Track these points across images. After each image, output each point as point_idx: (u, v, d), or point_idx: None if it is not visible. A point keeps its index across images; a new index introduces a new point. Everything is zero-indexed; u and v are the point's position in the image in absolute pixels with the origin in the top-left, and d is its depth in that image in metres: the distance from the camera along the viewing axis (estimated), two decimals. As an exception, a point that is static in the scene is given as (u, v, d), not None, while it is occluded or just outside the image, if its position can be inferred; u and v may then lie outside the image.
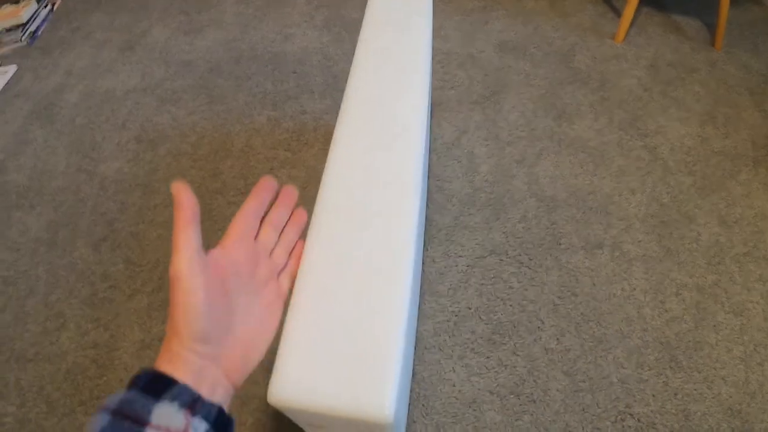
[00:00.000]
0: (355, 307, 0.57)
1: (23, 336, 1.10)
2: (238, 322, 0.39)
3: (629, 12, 1.49)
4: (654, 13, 1.67)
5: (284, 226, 0.48)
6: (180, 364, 0.33)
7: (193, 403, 0.32)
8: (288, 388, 0.54)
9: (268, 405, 0.93)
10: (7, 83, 1.67)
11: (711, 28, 1.60)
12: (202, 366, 0.34)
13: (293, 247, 0.49)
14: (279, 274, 0.46)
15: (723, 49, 1.55)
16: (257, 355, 0.40)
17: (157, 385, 0.32)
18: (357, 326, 0.55)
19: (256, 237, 0.44)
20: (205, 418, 0.32)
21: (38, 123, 1.52)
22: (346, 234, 0.62)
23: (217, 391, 0.35)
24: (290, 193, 0.49)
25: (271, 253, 0.45)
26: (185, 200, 0.36)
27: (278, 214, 0.47)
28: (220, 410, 0.34)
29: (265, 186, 0.45)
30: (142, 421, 0.29)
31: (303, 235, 0.51)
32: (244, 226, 0.43)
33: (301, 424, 0.68)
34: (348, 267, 0.60)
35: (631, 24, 1.61)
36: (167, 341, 0.34)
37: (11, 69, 1.72)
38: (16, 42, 1.80)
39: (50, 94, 1.60)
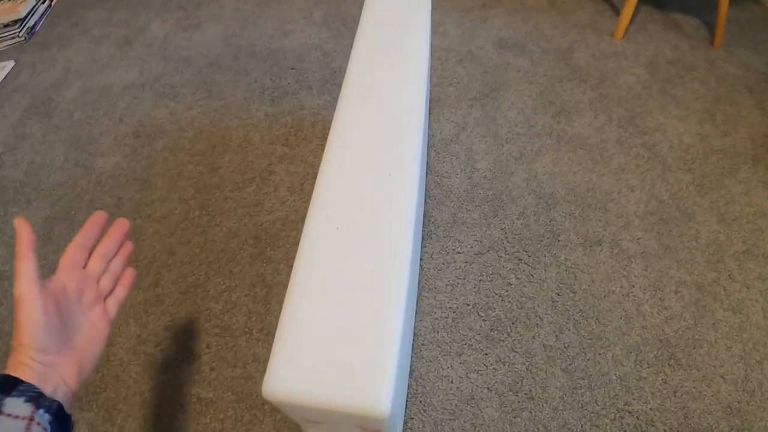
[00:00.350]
0: (352, 302, 0.56)
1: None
2: (71, 337, 0.47)
3: (628, 9, 1.49)
4: (653, 11, 1.67)
5: (113, 257, 0.56)
6: (25, 370, 0.41)
7: (37, 398, 0.40)
8: (282, 383, 0.53)
9: (264, 401, 0.93)
10: (5, 78, 1.66)
11: (710, 26, 1.60)
12: (44, 371, 0.42)
13: (120, 275, 0.56)
14: (106, 298, 0.53)
15: (722, 47, 1.55)
16: (89, 365, 0.48)
17: (6, 385, 0.39)
18: (353, 321, 0.55)
19: (85, 266, 0.52)
20: (48, 410, 0.40)
21: (36, 118, 1.51)
22: (343, 229, 0.62)
23: (57, 392, 0.43)
24: (121, 225, 0.57)
25: (98, 281, 0.53)
26: (25, 233, 0.45)
27: (106, 245, 0.55)
28: (60, 406, 0.41)
29: (95, 221, 0.54)
30: None
31: (130, 263, 0.58)
32: (73, 256, 0.51)
33: (297, 420, 0.68)
34: (344, 262, 0.59)
35: (631, 21, 1.60)
36: (14, 352, 0.42)
37: (9, 64, 1.71)
38: (14, 37, 1.79)
39: (48, 89, 1.59)
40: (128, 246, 0.58)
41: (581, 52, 1.53)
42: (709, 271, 1.08)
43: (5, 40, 1.79)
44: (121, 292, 0.56)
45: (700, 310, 1.03)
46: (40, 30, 1.83)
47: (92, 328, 0.50)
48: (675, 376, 0.95)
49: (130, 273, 0.57)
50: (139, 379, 1.00)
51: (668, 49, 1.54)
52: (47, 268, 1.21)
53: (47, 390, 0.41)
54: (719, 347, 0.98)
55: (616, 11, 1.66)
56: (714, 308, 1.03)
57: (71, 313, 0.48)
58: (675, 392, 0.93)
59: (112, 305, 0.54)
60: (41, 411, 0.39)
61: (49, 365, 0.43)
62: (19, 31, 1.79)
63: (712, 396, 0.93)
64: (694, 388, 0.94)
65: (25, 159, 1.41)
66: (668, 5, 1.69)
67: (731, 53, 1.53)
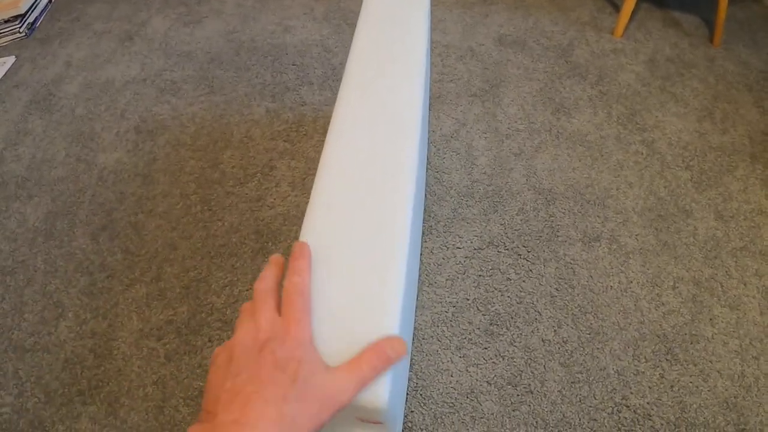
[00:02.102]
0: (351, 295, 0.57)
1: (21, 325, 1.10)
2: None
3: (628, 7, 1.49)
4: (653, 8, 1.68)
5: None
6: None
7: None
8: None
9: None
10: (6, 74, 1.66)
11: (710, 24, 1.60)
12: None
13: None
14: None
15: (722, 45, 1.55)
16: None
17: None
18: (352, 313, 0.56)
19: None
20: None
21: (37, 113, 1.51)
22: (342, 224, 0.62)
23: None
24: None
25: None
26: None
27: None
28: None
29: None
30: None
31: None
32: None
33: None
34: (343, 257, 0.60)
35: (630, 19, 1.61)
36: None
37: (9, 60, 1.71)
38: (15, 33, 1.79)
39: (49, 85, 1.59)
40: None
41: (581, 49, 1.54)
42: (706, 267, 1.09)
43: (6, 36, 1.79)
44: None
45: (697, 305, 1.04)
46: (40, 25, 1.83)
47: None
48: (672, 370, 0.96)
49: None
50: (141, 373, 1.01)
51: (668, 47, 1.54)
52: (50, 264, 1.22)
53: None
54: (716, 343, 0.99)
55: (616, 8, 1.67)
56: (711, 304, 1.04)
57: None
58: (672, 387, 0.94)
59: None
60: None
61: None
62: (20, 27, 1.79)
63: (708, 391, 0.94)
64: (690, 382, 0.95)
65: (27, 154, 1.41)
66: (668, 3, 1.69)
67: (730, 51, 1.53)
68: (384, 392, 0.57)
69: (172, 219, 1.22)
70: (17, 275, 1.17)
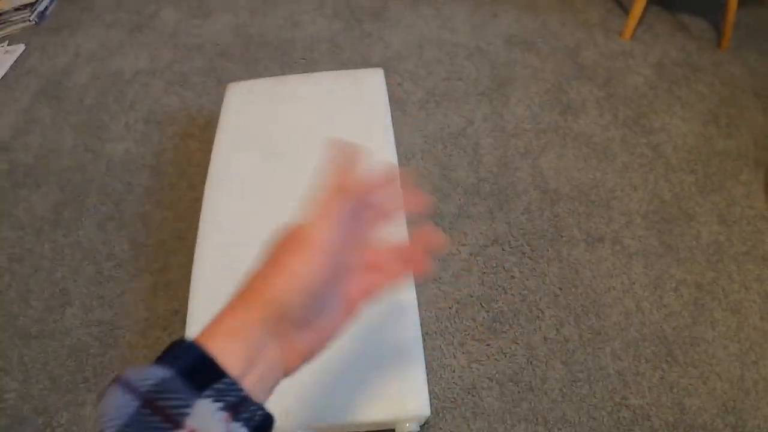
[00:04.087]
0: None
1: (27, 312, 1.11)
2: (319, 316, 0.32)
3: (638, 9, 1.50)
4: (661, 11, 1.68)
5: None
6: (237, 343, 0.28)
7: (238, 405, 0.26)
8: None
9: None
10: (15, 62, 1.67)
11: (717, 28, 1.60)
12: (260, 348, 0.29)
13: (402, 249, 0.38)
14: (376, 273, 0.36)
15: (729, 50, 1.55)
16: (322, 349, 0.34)
17: (201, 374, 0.26)
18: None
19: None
20: (246, 423, 0.26)
21: (46, 102, 1.52)
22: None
23: (265, 380, 0.29)
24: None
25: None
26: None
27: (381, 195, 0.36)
28: (267, 417, 0.28)
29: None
30: (176, 422, 0.24)
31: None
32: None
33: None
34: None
35: (639, 22, 1.61)
36: (231, 309, 0.29)
37: (19, 48, 1.72)
38: (25, 21, 1.80)
39: (58, 74, 1.60)
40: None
41: (589, 50, 1.55)
42: (708, 271, 1.10)
43: (16, 24, 1.80)
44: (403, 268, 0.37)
45: (698, 308, 1.05)
46: (50, 14, 1.84)
47: (346, 302, 0.35)
48: (672, 372, 0.97)
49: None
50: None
51: (675, 50, 1.55)
52: (57, 252, 1.22)
53: (249, 381, 0.28)
54: (716, 346, 1.00)
55: (625, 11, 1.67)
56: (712, 307, 1.05)
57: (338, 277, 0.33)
58: (671, 388, 0.95)
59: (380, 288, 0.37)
60: (237, 425, 0.26)
61: (279, 339, 0.30)
62: (30, 15, 1.80)
63: (707, 393, 0.94)
64: (690, 385, 0.95)
65: (35, 143, 1.42)
66: (677, 6, 1.69)
67: (737, 56, 1.53)
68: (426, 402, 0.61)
69: (180, 210, 1.23)
70: (24, 263, 1.18)
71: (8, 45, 1.74)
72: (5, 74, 1.63)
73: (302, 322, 0.31)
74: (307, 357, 0.32)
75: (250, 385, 0.28)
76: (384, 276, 0.36)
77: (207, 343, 0.27)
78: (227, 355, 0.27)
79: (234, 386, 0.27)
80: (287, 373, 0.32)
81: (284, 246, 0.30)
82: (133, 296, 1.10)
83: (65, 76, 1.59)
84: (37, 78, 1.60)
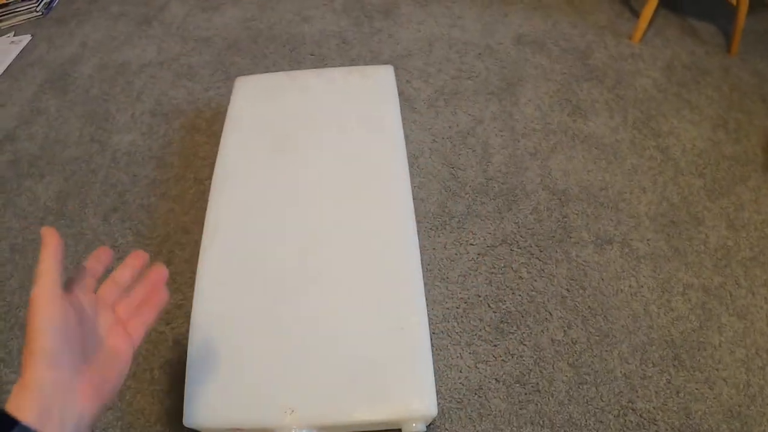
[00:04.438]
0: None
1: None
2: (89, 356, 0.41)
3: (648, 12, 1.49)
4: (671, 15, 1.68)
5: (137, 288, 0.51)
6: (29, 399, 0.34)
7: None
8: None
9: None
10: (21, 52, 1.67)
11: (727, 33, 1.60)
12: (51, 399, 0.35)
13: (142, 304, 0.51)
14: (128, 323, 0.48)
15: (738, 55, 1.55)
16: (108, 391, 0.42)
17: (1, 426, 0.32)
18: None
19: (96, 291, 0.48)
20: None
21: (52, 92, 1.51)
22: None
23: (66, 426, 0.36)
24: (138, 256, 0.53)
25: (114, 307, 0.49)
26: (52, 241, 0.42)
27: (122, 272, 0.51)
28: None
29: (100, 255, 0.50)
30: None
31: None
32: (80, 279, 0.47)
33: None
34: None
35: (649, 25, 1.61)
36: (22, 374, 0.36)
37: (25, 39, 1.71)
38: (31, 12, 1.79)
39: (65, 65, 1.59)
40: (162, 294, 0.52)
41: (599, 52, 1.54)
42: (716, 275, 1.09)
43: (22, 15, 1.79)
44: (148, 314, 0.50)
45: (706, 313, 1.04)
46: (57, 5, 1.83)
47: (112, 350, 0.45)
48: (678, 376, 0.96)
49: (161, 295, 0.52)
50: (149, 357, 1.01)
51: (684, 54, 1.54)
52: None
53: (50, 427, 0.35)
54: (723, 351, 0.99)
55: (635, 14, 1.67)
56: (720, 312, 1.04)
57: (89, 330, 0.43)
58: (678, 392, 0.94)
59: (138, 328, 0.49)
60: None
61: (62, 388, 0.37)
62: (37, 6, 1.79)
63: (714, 398, 0.94)
64: (696, 389, 0.95)
65: (40, 133, 1.41)
66: (686, 11, 1.69)
67: (746, 61, 1.53)
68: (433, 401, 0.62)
69: (186, 203, 1.22)
70: (26, 253, 1.17)
71: (14, 36, 1.73)
72: (11, 64, 1.62)
73: (71, 364, 0.39)
74: (99, 397, 0.40)
75: (54, 428, 0.34)
76: (140, 324, 0.49)
77: (9, 405, 0.34)
78: (22, 406, 0.34)
79: (28, 430, 0.33)
80: (89, 413, 0.39)
81: (29, 309, 0.39)
82: (137, 289, 1.09)
83: (72, 67, 1.58)
84: (43, 68, 1.59)
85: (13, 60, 1.64)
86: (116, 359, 0.45)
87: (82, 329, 0.41)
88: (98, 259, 0.50)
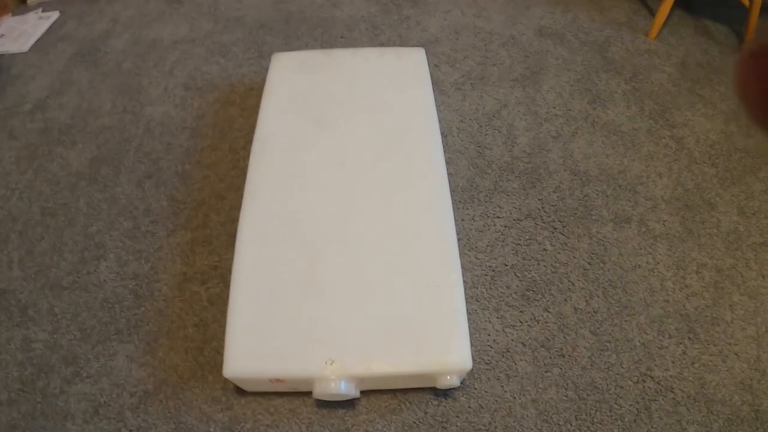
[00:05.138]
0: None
1: (59, 265, 1.12)
2: None
3: (664, 10, 1.55)
4: (686, 15, 1.74)
5: None
6: None
7: None
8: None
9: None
10: (50, 27, 1.69)
11: (739, 35, 1.66)
12: None
13: None
14: None
15: (750, 56, 1.60)
16: None
17: None
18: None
19: None
20: None
21: (83, 66, 1.54)
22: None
23: None
24: None
25: None
26: None
27: None
28: None
29: None
30: None
31: None
32: None
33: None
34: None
35: (664, 24, 1.66)
36: None
37: (54, 15, 1.74)
38: (61, -12, 1.82)
39: (95, 40, 1.62)
40: None
41: (617, 46, 1.60)
42: (727, 257, 1.14)
43: (52, -10, 1.82)
44: None
45: (718, 291, 1.09)
46: (86, -17, 1.86)
47: None
48: (693, 348, 1.00)
49: None
50: (183, 315, 1.04)
51: (698, 53, 1.60)
52: (92, 207, 1.23)
53: None
54: (735, 327, 1.04)
55: (651, 12, 1.73)
56: (731, 291, 1.09)
57: None
58: (693, 363, 0.99)
59: None
60: None
61: None
62: (67, -18, 1.81)
63: (726, 371, 0.98)
64: (710, 361, 0.99)
65: (72, 103, 1.44)
66: (700, 11, 1.75)
67: (758, 62, 1.58)
68: (468, 355, 0.67)
69: (220, 171, 1.25)
70: (58, 216, 1.20)
71: (42, 11, 1.76)
72: (40, 38, 1.65)
73: None
74: None
75: None
76: None
77: None
78: None
79: None
80: None
81: None
82: (171, 251, 1.12)
83: (102, 42, 1.61)
84: (73, 43, 1.62)
85: (43, 34, 1.67)
86: None
87: None
88: None
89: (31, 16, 1.74)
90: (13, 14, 1.75)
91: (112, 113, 1.40)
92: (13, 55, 1.59)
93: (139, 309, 1.06)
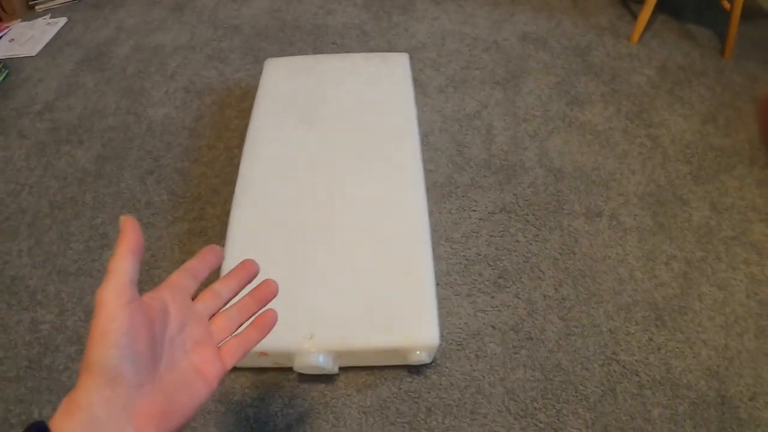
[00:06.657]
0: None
1: (66, 253, 1.19)
2: (159, 372, 0.35)
3: (645, 14, 1.61)
4: (669, 19, 1.79)
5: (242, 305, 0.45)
6: (75, 421, 0.29)
7: None
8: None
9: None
10: (58, 33, 1.78)
11: (722, 38, 1.70)
12: (101, 424, 0.30)
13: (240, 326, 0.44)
14: (222, 344, 0.41)
15: (732, 59, 1.64)
16: (179, 417, 0.35)
17: None
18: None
19: (193, 298, 0.42)
20: None
21: (89, 70, 1.63)
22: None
23: None
24: (247, 267, 0.46)
25: (208, 320, 0.42)
26: (131, 232, 0.36)
27: (226, 283, 0.44)
28: None
29: (209, 251, 0.44)
30: None
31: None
32: (179, 279, 0.41)
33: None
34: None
35: (647, 28, 1.72)
36: (77, 387, 0.31)
37: (61, 20, 1.83)
38: (68, -3, 1.92)
39: (101, 45, 1.72)
40: (271, 316, 0.45)
41: (598, 50, 1.66)
42: (698, 250, 1.18)
43: (58, -1, 1.91)
44: (251, 337, 0.43)
45: (687, 282, 1.13)
46: (93, -9, 1.96)
47: (194, 370, 0.37)
48: (660, 335, 1.05)
49: (269, 316, 0.44)
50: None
51: (680, 56, 1.65)
52: (98, 201, 1.32)
53: None
54: (703, 316, 1.08)
55: (635, 16, 1.78)
56: (700, 282, 1.13)
57: (167, 343, 0.36)
58: (659, 349, 1.03)
59: (234, 352, 0.41)
60: None
61: (119, 406, 0.31)
62: (74, -9, 1.91)
63: (693, 357, 1.02)
64: (677, 348, 1.03)
65: (78, 105, 1.53)
66: (684, 15, 1.80)
67: (740, 65, 1.63)
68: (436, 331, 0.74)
69: (216, 168, 1.33)
70: (66, 209, 1.28)
71: (50, 18, 1.85)
72: (48, 44, 1.74)
73: (135, 381, 0.32)
74: (162, 422, 0.33)
75: None
76: (238, 347, 0.42)
77: (53, 423, 0.30)
78: (64, 429, 0.29)
79: None
80: None
81: (94, 313, 0.33)
82: (170, 241, 1.20)
83: (107, 48, 1.70)
84: (80, 48, 1.71)
85: (50, 40, 1.76)
86: (195, 383, 0.37)
87: (154, 344, 0.35)
88: (203, 259, 0.43)
89: (40, 22, 1.83)
90: (23, 20, 1.85)
91: (117, 114, 1.49)
92: (23, 59, 1.69)
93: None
